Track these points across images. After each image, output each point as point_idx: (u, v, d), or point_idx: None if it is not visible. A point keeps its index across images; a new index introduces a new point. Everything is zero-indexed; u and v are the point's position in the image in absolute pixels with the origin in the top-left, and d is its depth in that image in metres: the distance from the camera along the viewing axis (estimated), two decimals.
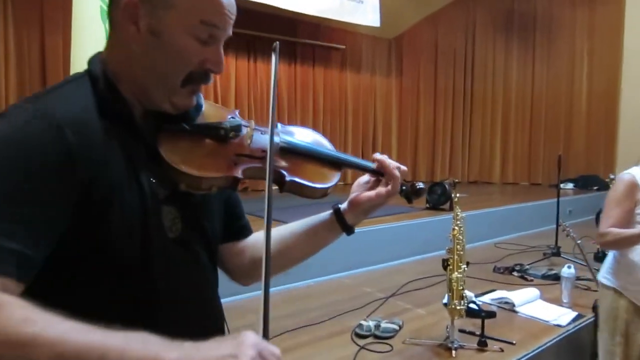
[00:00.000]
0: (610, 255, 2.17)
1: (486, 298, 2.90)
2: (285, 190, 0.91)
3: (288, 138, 0.94)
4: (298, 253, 1.03)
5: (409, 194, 1.00)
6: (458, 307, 2.16)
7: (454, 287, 2.19)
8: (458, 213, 2.25)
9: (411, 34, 7.65)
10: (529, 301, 2.84)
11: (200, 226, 0.87)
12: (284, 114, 6.55)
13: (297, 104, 6.76)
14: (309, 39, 6.72)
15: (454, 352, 2.15)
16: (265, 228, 0.76)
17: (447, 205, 4.56)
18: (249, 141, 0.88)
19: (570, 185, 6.70)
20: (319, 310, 2.68)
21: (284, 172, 0.89)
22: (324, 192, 0.94)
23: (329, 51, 7.04)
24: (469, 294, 2.77)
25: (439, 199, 4.65)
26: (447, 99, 7.85)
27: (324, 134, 1.04)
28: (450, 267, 2.22)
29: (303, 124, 6.60)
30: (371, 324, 2.37)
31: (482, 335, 2.27)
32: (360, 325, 2.38)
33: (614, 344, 2.03)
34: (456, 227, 2.23)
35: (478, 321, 2.35)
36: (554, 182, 6.89)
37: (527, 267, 3.58)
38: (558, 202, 3.97)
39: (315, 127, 6.86)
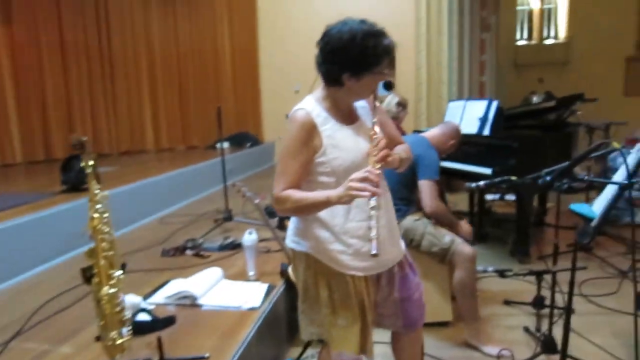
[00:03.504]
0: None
1: (159, 297, 2.17)
2: None
3: None
4: None
5: None
6: (118, 341, 1.36)
7: (108, 311, 1.36)
8: (96, 191, 1.40)
9: None
10: (212, 286, 2.26)
11: None
12: None
13: None
14: None
15: None
16: None
17: None
18: None
19: (226, 144, 6.59)
20: None
21: None
22: None
23: None
24: (133, 300, 1.98)
25: (77, 177, 3.33)
26: (80, 57, 6.39)
27: None
28: (97, 278, 1.37)
29: None
30: None
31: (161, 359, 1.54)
32: None
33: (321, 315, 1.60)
34: (96, 215, 1.38)
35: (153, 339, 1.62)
36: (210, 143, 6.73)
37: (201, 240, 3.03)
38: (223, 160, 3.55)
39: None
